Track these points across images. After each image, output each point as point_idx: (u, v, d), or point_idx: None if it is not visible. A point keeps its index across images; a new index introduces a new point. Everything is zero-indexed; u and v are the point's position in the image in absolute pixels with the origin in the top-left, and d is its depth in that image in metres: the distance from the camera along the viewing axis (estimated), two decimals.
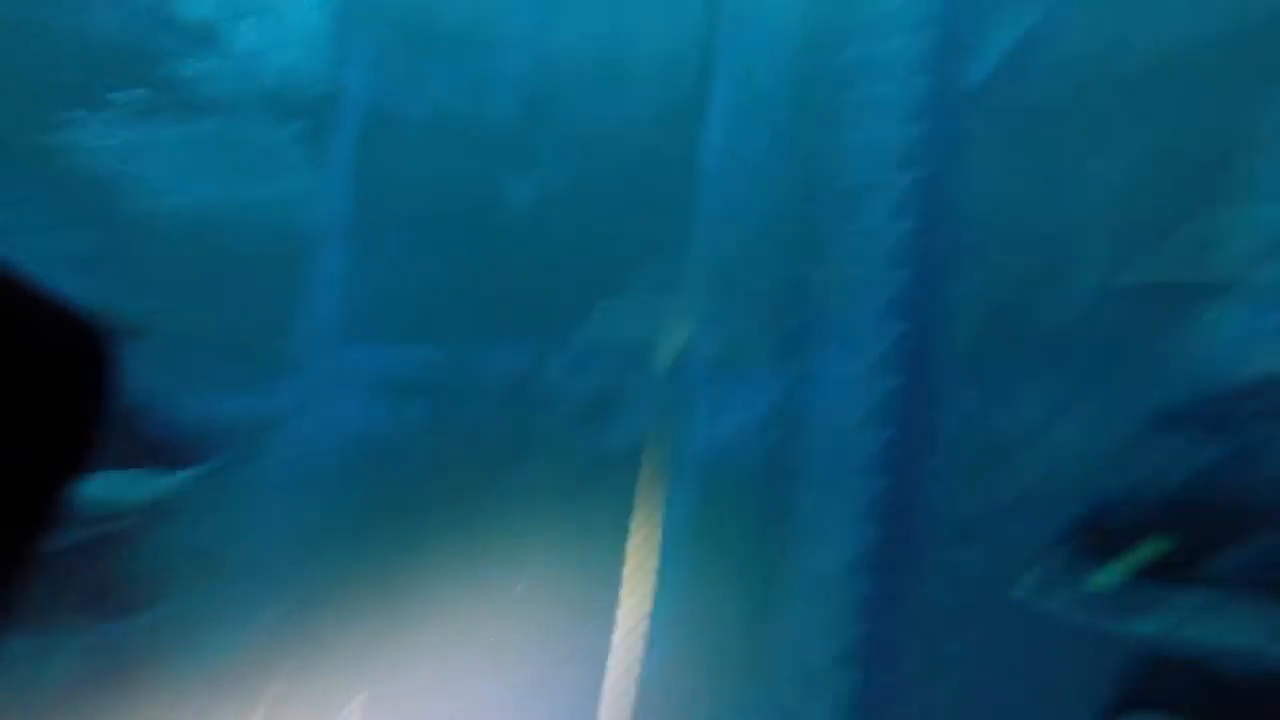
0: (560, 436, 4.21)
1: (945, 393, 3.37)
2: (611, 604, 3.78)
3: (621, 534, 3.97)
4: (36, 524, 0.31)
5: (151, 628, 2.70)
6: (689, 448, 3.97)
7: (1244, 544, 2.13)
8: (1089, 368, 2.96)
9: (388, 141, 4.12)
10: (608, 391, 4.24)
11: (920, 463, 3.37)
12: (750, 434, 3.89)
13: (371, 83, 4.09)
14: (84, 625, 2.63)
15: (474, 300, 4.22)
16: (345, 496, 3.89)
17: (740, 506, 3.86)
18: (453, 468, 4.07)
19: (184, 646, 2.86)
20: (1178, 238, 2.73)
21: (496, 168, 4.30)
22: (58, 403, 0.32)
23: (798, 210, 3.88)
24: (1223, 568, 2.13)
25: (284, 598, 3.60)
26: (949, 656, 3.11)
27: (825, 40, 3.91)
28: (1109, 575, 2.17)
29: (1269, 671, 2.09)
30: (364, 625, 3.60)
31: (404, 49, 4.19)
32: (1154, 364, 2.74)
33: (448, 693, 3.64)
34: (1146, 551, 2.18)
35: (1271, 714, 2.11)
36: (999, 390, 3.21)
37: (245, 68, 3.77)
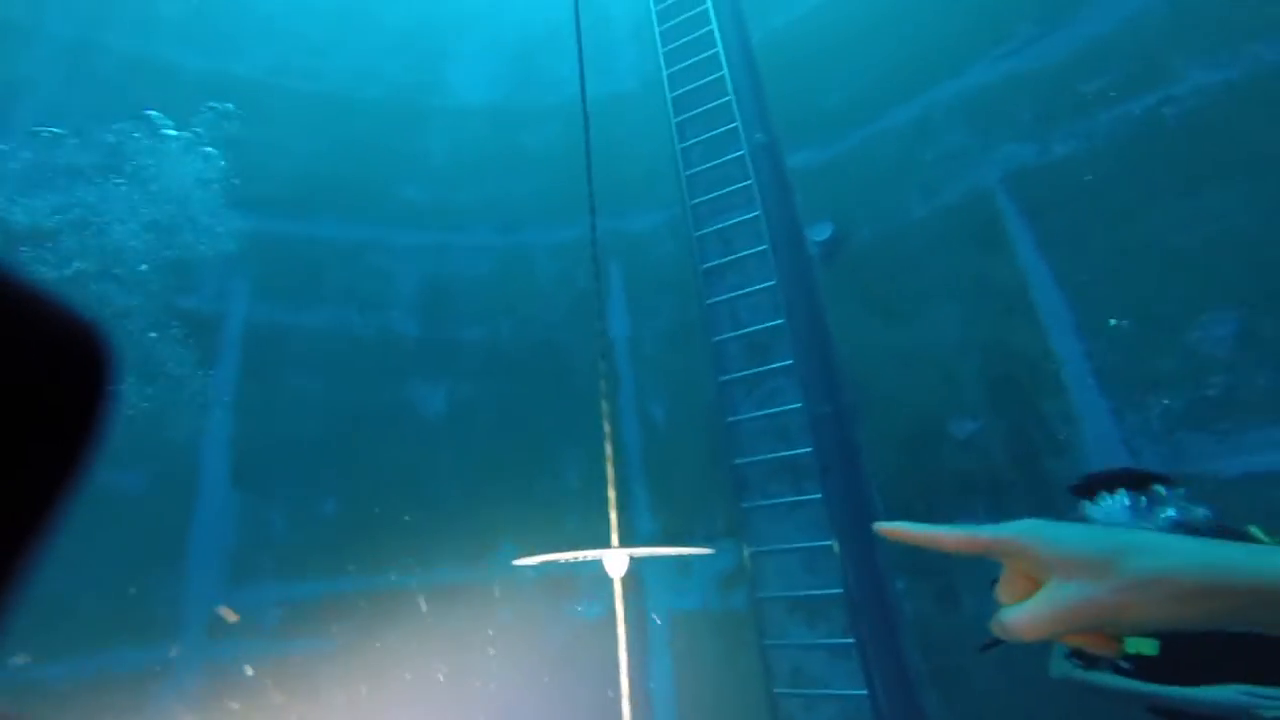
0: (524, 618, 3.93)
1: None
2: None
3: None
4: (31, 529, 0.30)
5: None
6: (654, 618, 3.88)
7: None
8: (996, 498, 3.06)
9: (279, 359, 3.92)
10: (567, 575, 4.01)
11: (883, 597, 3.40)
12: (713, 597, 3.80)
13: (257, 302, 3.96)
14: None
15: (392, 521, 3.87)
16: None
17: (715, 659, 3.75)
18: (392, 686, 3.63)
19: None
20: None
21: (403, 379, 4.20)
22: (55, 403, 0.32)
23: (702, 393, 4.03)
24: None
25: None
26: None
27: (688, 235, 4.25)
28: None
29: None
30: None
31: (291, 263, 4.14)
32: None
33: None
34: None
35: None
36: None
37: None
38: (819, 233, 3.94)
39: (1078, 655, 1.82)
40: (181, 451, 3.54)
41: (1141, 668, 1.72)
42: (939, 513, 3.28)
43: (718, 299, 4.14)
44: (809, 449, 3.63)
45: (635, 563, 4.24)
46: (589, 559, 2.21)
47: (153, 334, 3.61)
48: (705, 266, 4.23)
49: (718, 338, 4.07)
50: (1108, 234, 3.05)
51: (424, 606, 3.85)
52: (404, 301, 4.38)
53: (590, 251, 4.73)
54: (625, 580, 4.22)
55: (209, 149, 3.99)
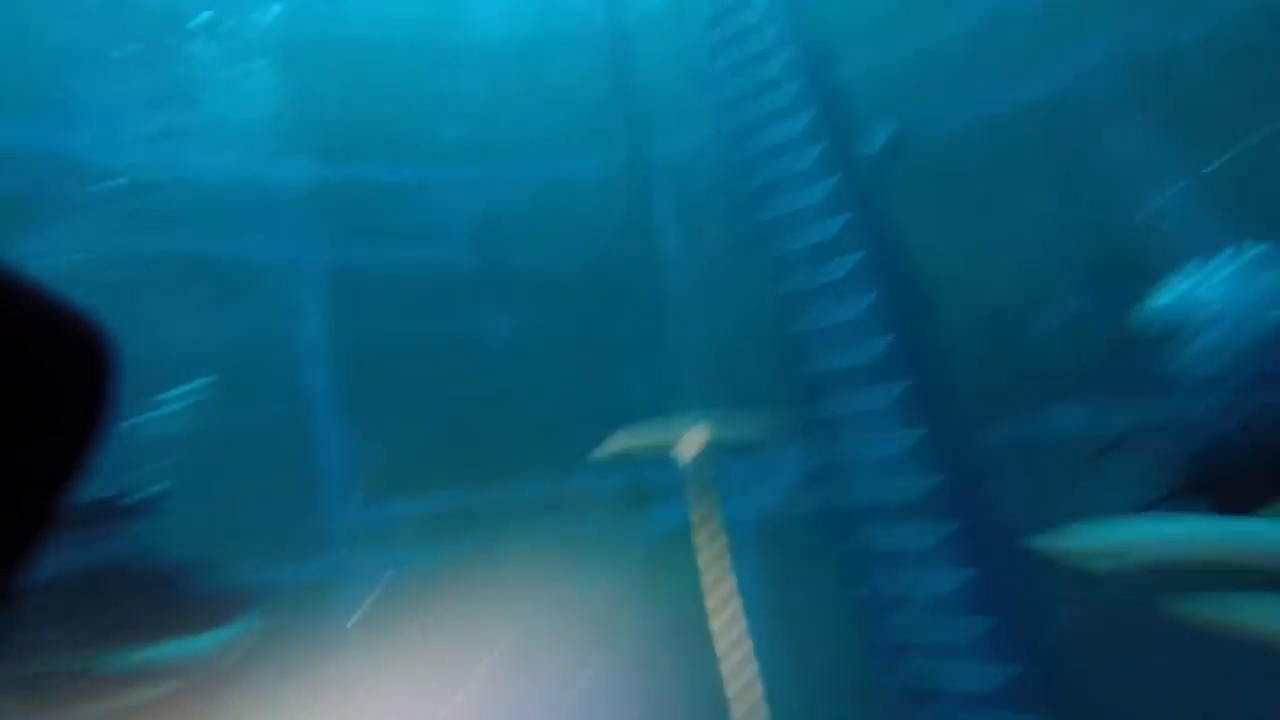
0: (599, 540, 4.14)
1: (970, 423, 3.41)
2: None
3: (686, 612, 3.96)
4: (32, 533, 0.30)
5: None
6: (737, 520, 3.97)
7: None
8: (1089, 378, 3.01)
9: (356, 298, 4.08)
10: (636, 491, 4.20)
11: (974, 493, 3.38)
12: (794, 496, 3.89)
13: (329, 248, 4.09)
14: None
15: (478, 443, 4.13)
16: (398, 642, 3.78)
17: (803, 561, 3.83)
18: (497, 597, 3.96)
19: None
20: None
21: (467, 310, 4.34)
22: (58, 406, 0.31)
23: (762, 306, 4.01)
24: None
25: None
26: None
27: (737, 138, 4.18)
28: None
29: None
30: None
31: (351, 205, 4.20)
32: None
33: None
34: None
35: None
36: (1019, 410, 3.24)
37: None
38: (881, 133, 3.80)
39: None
40: (295, 389, 3.79)
41: None
42: (1028, 401, 3.24)
43: (773, 211, 4.04)
44: (880, 351, 3.59)
45: (715, 467, 4.28)
46: (664, 440, 2.23)
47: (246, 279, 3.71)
48: (758, 180, 4.10)
49: (775, 249, 3.99)
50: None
51: (513, 521, 4.00)
52: (459, 238, 4.42)
53: (636, 175, 4.66)
54: (703, 486, 4.28)
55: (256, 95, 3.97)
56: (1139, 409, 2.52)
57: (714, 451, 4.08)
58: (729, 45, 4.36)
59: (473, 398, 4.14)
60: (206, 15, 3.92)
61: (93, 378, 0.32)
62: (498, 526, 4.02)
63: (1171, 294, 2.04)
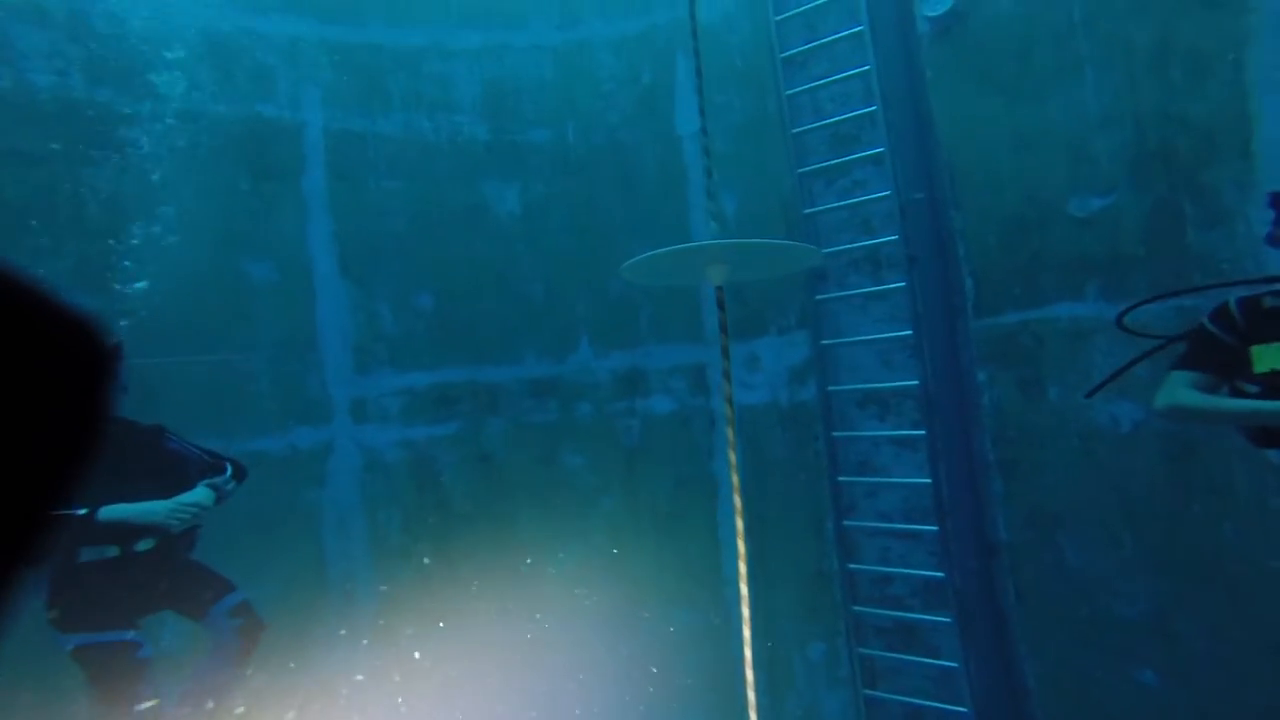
0: (601, 416, 4.25)
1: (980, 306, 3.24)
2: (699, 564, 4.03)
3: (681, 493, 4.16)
4: (30, 529, 0.30)
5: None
6: (737, 402, 4.02)
7: None
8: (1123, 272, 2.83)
9: (360, 164, 3.99)
10: (638, 371, 4.24)
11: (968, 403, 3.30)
12: (781, 391, 3.87)
13: (333, 111, 3.97)
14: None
15: (479, 317, 4.14)
16: (394, 515, 3.96)
17: (783, 448, 3.90)
18: (498, 472, 4.12)
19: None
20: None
21: (475, 181, 4.21)
22: (54, 404, 0.31)
23: (778, 187, 3.81)
24: None
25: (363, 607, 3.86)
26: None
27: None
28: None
29: None
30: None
31: (358, 72, 4.06)
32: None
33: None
34: None
35: None
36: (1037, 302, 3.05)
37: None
38: (934, 7, 3.32)
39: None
40: (297, 246, 3.85)
41: (1271, 388, 1.62)
42: (1039, 295, 3.06)
43: (799, 89, 3.73)
44: (894, 238, 3.41)
45: (702, 357, 4.35)
46: (691, 254, 2.25)
47: (247, 138, 3.76)
48: (786, 54, 3.76)
49: (797, 129, 3.74)
50: None
51: (516, 398, 4.26)
52: (469, 105, 4.30)
53: (658, 42, 4.32)
54: (693, 377, 4.37)
55: None
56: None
57: (703, 358, 4.16)
58: None
59: (476, 271, 4.17)
60: None
61: (91, 378, 0.32)
62: (494, 403, 4.21)
63: None
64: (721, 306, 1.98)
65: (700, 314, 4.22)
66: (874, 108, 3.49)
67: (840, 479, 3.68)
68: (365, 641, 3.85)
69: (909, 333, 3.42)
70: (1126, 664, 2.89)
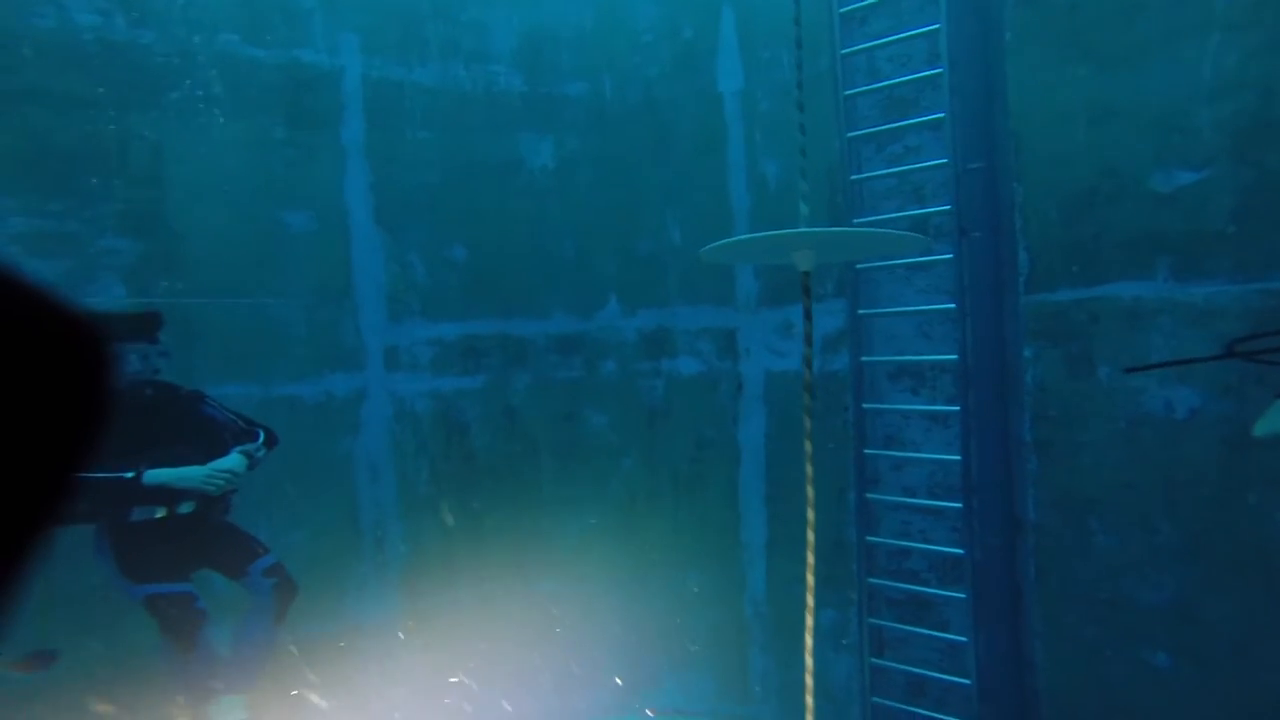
0: (625, 375, 4.25)
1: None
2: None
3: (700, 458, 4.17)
4: (31, 525, 0.30)
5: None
6: (748, 374, 4.00)
7: None
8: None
9: (397, 114, 3.95)
10: (665, 331, 4.21)
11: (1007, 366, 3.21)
12: (825, 353, 3.81)
13: (370, 58, 3.92)
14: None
15: (508, 271, 4.13)
16: (422, 466, 4.03)
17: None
18: (522, 427, 4.17)
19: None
20: None
21: (510, 133, 4.15)
22: (52, 402, 0.31)
23: (824, 151, 3.63)
24: None
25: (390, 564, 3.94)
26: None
27: None
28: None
29: None
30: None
31: (396, 18, 3.97)
32: None
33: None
34: None
35: None
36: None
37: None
38: None
39: None
40: (334, 195, 3.85)
41: None
42: (1100, 272, 2.94)
43: (856, 48, 3.53)
44: (946, 208, 3.29)
45: (732, 322, 4.31)
46: (779, 240, 2.21)
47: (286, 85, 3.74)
48: (845, 9, 3.54)
49: (850, 91, 3.57)
50: None
51: (542, 353, 4.29)
52: (506, 55, 4.20)
53: None
54: (721, 341, 4.34)
55: None
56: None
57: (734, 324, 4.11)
58: None
59: (508, 224, 4.15)
60: None
61: (89, 378, 0.32)
62: (521, 357, 4.23)
63: None
64: (807, 292, 1.93)
65: (732, 279, 4.15)
66: (940, 70, 3.30)
67: (866, 451, 3.65)
68: (393, 590, 4.01)
69: (952, 305, 3.33)
70: (1140, 646, 2.88)
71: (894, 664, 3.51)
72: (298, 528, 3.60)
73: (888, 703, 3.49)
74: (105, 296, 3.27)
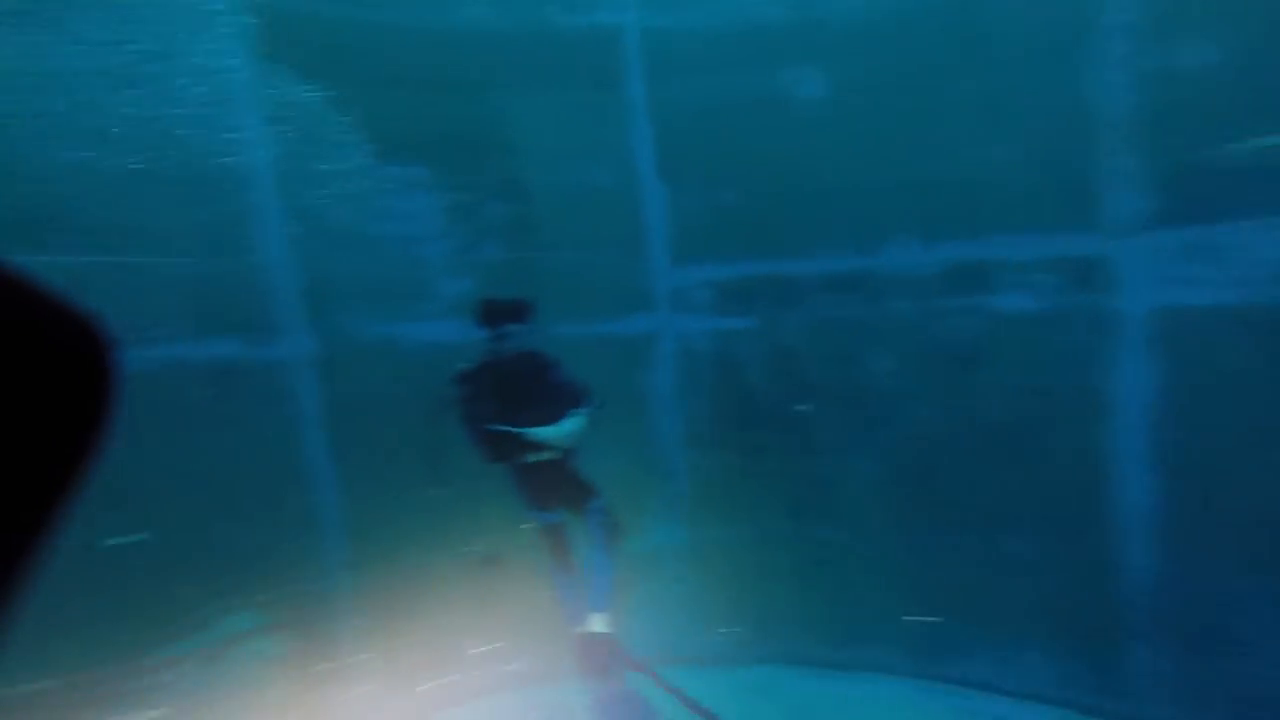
0: (921, 314, 3.85)
1: None
2: None
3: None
4: (29, 537, 0.30)
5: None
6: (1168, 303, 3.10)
7: None
8: None
9: (668, 63, 4.06)
10: (977, 264, 3.66)
11: None
12: (1251, 292, 2.92)
13: (643, 12, 4.03)
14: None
15: (783, 210, 4.03)
16: (703, 404, 4.27)
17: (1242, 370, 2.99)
18: (798, 368, 4.13)
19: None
20: None
21: (776, 67, 4.00)
22: (55, 407, 0.31)
23: None
24: None
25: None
26: None
27: None
28: None
29: None
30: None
31: None
32: None
33: None
34: None
35: None
36: None
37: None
38: None
39: None
40: (625, 152, 4.16)
41: None
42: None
43: None
44: None
45: (1093, 248, 3.43)
46: None
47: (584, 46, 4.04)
48: None
49: None
50: None
51: (816, 292, 4.10)
52: None
53: None
54: (1072, 272, 3.51)
55: None
56: None
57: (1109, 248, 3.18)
58: None
59: (775, 164, 4.01)
60: None
61: (93, 379, 0.32)
62: (792, 298, 4.11)
63: None
64: None
65: (1093, 197, 3.28)
66: None
67: None
68: (680, 521, 4.34)
69: None
70: None
71: None
72: (609, 458, 4.06)
73: None
74: (487, 255, 4.08)
